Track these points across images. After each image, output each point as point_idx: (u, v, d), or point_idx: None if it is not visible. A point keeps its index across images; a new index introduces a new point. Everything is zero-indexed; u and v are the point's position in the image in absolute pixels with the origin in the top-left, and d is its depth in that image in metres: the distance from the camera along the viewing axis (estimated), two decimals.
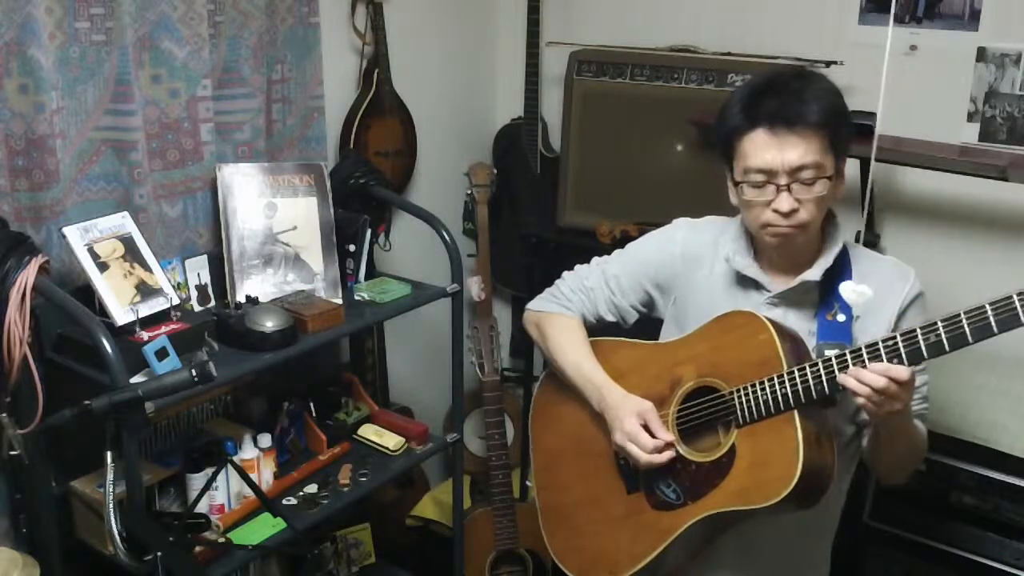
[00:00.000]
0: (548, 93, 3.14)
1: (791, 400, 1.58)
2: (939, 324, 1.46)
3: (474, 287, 2.85)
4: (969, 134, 2.47)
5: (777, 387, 1.60)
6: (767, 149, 1.61)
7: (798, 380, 1.58)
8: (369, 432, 2.47)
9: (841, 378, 1.54)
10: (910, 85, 2.50)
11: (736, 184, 1.69)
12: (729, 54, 2.68)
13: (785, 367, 1.60)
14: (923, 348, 1.48)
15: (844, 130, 1.66)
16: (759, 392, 1.62)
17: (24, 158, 1.93)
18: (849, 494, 1.85)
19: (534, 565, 2.85)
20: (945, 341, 1.46)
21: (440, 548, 2.83)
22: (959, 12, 2.45)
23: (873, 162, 2.11)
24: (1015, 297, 1.40)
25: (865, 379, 1.50)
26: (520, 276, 3.11)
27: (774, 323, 1.65)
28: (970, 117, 2.47)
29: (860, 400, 1.53)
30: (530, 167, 3.10)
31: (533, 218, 3.09)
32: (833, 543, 1.89)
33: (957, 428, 2.16)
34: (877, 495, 2.25)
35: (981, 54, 2.43)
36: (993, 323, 1.41)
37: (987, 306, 1.42)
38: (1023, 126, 2.41)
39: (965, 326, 1.44)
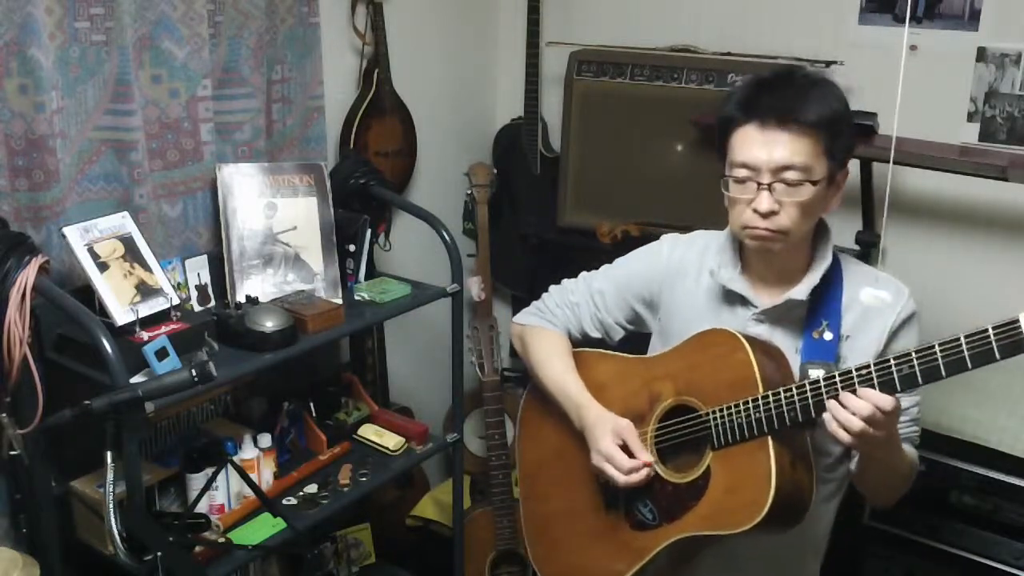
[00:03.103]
0: (548, 93, 3.14)
1: (764, 425, 1.54)
2: (913, 355, 1.41)
3: (474, 287, 2.85)
4: (969, 134, 2.47)
5: (752, 411, 1.55)
6: (754, 144, 1.57)
7: (772, 405, 1.54)
8: (369, 432, 2.47)
9: (830, 405, 1.48)
10: (910, 85, 2.49)
11: (722, 178, 1.65)
12: (729, 54, 2.68)
13: (761, 390, 1.56)
14: (896, 379, 1.43)
15: (843, 137, 1.60)
16: (734, 415, 1.58)
17: (24, 158, 1.93)
18: (849, 495, 1.85)
19: None
20: (919, 374, 1.41)
21: (440, 548, 2.83)
22: (959, 12, 2.45)
23: (877, 162, 2.11)
24: (991, 330, 1.33)
25: (852, 406, 1.45)
26: (520, 276, 3.11)
27: (753, 343, 1.61)
28: (970, 117, 2.47)
29: (840, 434, 1.46)
30: (530, 167, 3.10)
31: (533, 218, 3.09)
32: (832, 543, 1.88)
33: (957, 428, 2.16)
34: None
35: (981, 54, 2.43)
36: (967, 358, 1.35)
37: (962, 338, 1.36)
38: (1023, 126, 2.41)
39: (939, 359, 1.38)
